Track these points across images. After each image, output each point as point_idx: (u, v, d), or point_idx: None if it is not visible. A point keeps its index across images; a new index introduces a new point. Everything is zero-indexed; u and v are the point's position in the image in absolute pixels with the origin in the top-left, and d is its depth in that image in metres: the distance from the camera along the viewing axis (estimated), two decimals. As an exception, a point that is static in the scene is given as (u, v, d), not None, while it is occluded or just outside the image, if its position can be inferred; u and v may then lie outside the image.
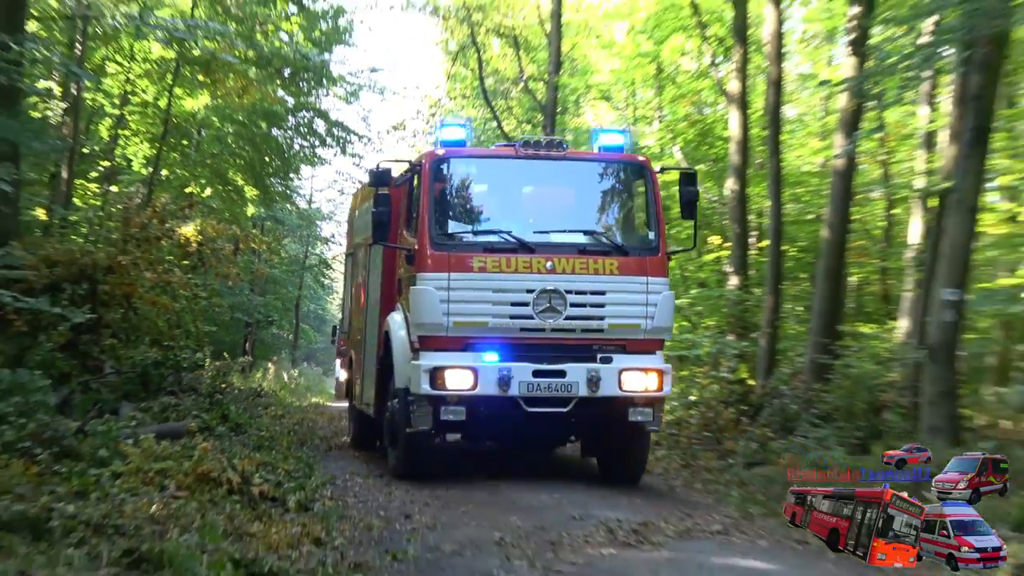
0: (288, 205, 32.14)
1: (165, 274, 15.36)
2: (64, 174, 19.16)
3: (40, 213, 17.99)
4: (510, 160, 9.89)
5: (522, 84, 26.12)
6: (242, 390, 18.13)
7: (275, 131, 25.80)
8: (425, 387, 8.71)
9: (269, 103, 23.64)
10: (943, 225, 10.80)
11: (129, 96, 22.06)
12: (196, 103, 23.44)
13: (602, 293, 9.15)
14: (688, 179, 9.58)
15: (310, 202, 38.54)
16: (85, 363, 13.05)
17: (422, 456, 9.38)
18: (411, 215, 9.90)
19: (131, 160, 23.80)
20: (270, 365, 29.92)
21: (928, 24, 11.94)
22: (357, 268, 13.35)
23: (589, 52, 26.37)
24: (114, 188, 21.58)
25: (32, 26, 16.31)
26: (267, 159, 25.92)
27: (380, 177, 9.60)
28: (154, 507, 7.32)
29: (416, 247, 9.25)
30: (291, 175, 29.93)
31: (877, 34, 13.05)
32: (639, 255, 9.35)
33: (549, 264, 8.99)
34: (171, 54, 20.99)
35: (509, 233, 9.29)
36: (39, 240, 14.77)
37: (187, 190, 23.47)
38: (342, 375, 14.88)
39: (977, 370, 14.24)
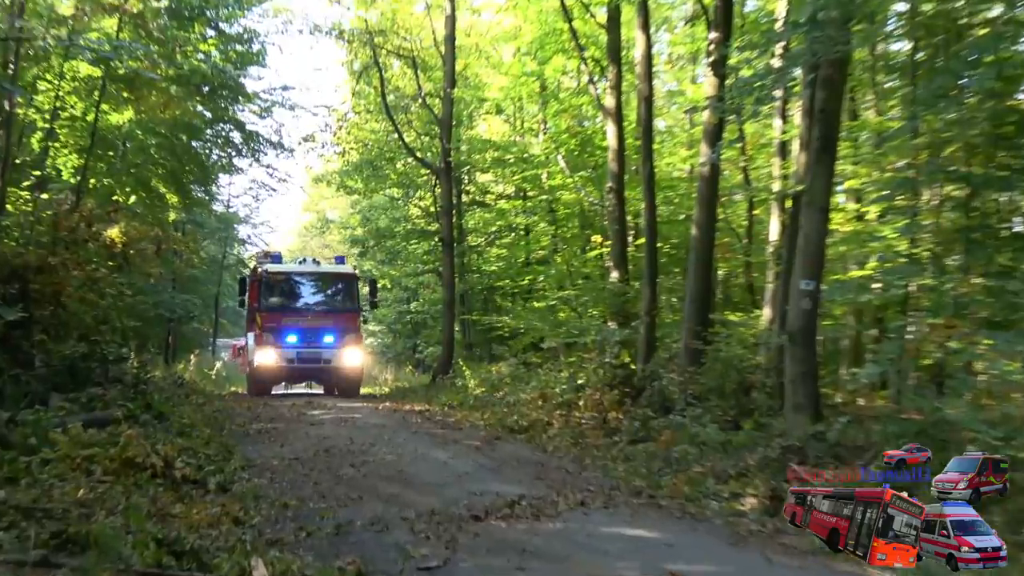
0: (207, 210, 31.56)
1: (92, 273, 15.09)
2: (-4, 182, 18.61)
3: (-28, 219, 17.53)
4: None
5: (420, 100, 26.08)
6: (165, 380, 17.91)
7: (195, 143, 25.49)
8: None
9: (189, 117, 23.32)
10: (798, 223, 10.87)
11: (59, 111, 21.31)
12: (121, 117, 22.76)
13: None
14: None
15: (227, 207, 37.85)
16: (16, 357, 12.64)
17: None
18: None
19: (60, 170, 22.56)
20: (191, 357, 29.57)
21: (778, 48, 12.14)
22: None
23: (481, 71, 26.56)
24: (44, 196, 20.34)
25: (-39, 44, 15.64)
26: (187, 168, 25.46)
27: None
28: (81, 491, 7.17)
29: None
30: (210, 182, 29.37)
31: (735, 56, 13.27)
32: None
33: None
34: (98, 72, 20.54)
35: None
36: (-31, 243, 13.99)
37: (113, 197, 22.31)
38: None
39: (833, 353, 14.39)
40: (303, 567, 5.62)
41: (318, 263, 21.92)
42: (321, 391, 22.44)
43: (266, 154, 27.16)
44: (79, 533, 5.71)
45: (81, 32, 19.80)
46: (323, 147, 28.74)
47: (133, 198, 24.41)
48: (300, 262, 21.84)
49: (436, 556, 6.15)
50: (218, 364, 31.48)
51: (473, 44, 26.97)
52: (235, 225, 39.34)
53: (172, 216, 27.15)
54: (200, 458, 9.67)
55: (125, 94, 21.20)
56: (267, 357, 19.50)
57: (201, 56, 24.20)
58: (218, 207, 35.09)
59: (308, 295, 21.15)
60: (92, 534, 5.59)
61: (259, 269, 21.19)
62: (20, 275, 13.22)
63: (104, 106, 21.67)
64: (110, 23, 21.08)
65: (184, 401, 15.52)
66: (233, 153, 27.24)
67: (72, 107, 22.08)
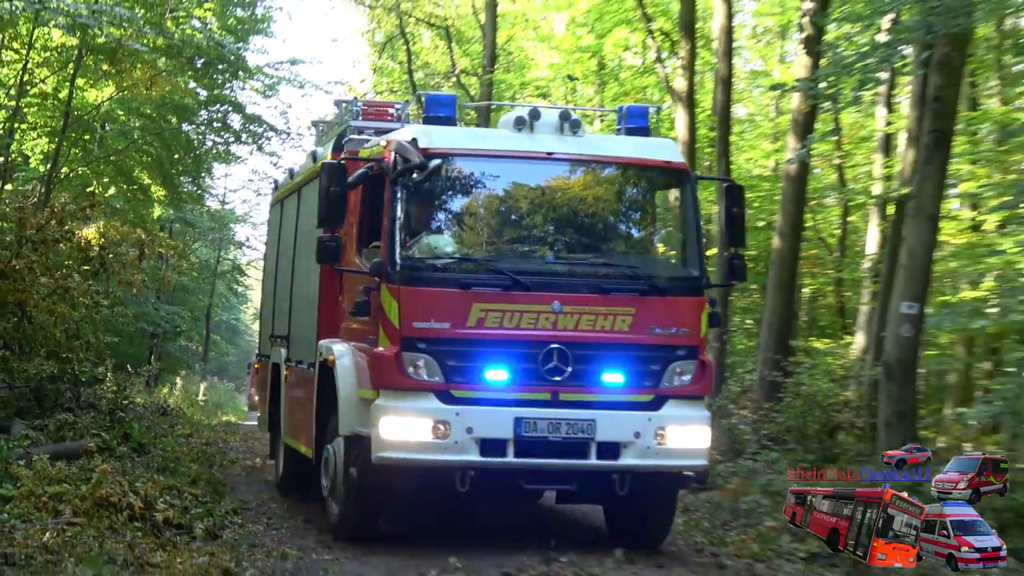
0: (199, 206, 31.63)
1: (63, 280, 15.07)
2: (-51, 171, 18.85)
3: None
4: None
5: (454, 79, 25.90)
6: (146, 407, 18.48)
7: (186, 126, 25.45)
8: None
9: (180, 96, 23.05)
10: (901, 234, 10.82)
11: (27, 87, 21.19)
12: (100, 95, 22.77)
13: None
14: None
15: (223, 203, 38.25)
16: None
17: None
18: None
19: (28, 156, 23.30)
20: (177, 380, 30.44)
21: (886, 21, 11.82)
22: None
23: (526, 45, 26.46)
24: (8, 186, 20.86)
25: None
26: (176, 156, 25.33)
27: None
28: (47, 535, 7.27)
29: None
30: (203, 174, 29.39)
31: (832, 31, 12.96)
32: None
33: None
34: (73, 41, 20.14)
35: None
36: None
37: (89, 189, 22.88)
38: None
39: (937, 389, 14.53)
40: None
41: (578, 126, 8.13)
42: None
43: (269, 140, 26.74)
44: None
45: (52, -8, 20.69)
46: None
47: (112, 190, 24.39)
48: (518, 125, 8.05)
49: None
50: (204, 387, 32.12)
51: (519, 13, 26.67)
52: (231, 225, 39.64)
53: (158, 213, 27.18)
54: (186, 499, 9.61)
55: (105, 67, 20.77)
56: (408, 427, 7.34)
57: (196, 24, 23.82)
58: (212, 203, 35.07)
59: (559, 231, 8.57)
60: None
61: (393, 149, 8.10)
62: (-23, 282, 13.44)
63: (80, 81, 21.42)
64: None
65: (168, 432, 15.35)
66: (231, 139, 27.01)
67: (42, 82, 21.62)
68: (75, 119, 22.00)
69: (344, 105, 9.93)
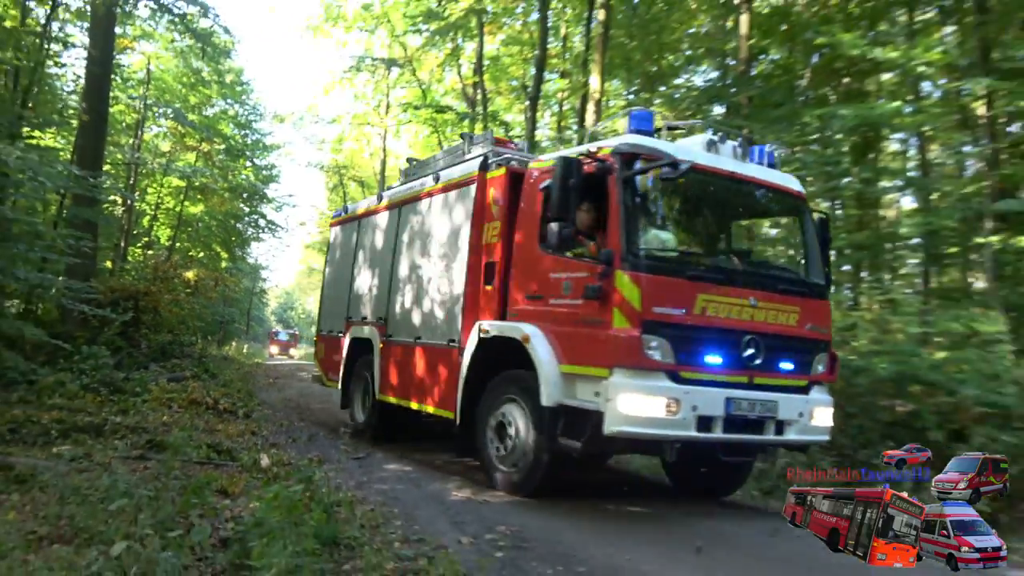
0: (244, 261, 34.54)
1: (176, 295, 17.05)
2: (122, 244, 21.71)
3: (108, 264, 19.62)
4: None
5: None
6: (216, 356, 19.82)
7: (238, 224, 29.42)
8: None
9: (235, 210, 27.53)
10: None
11: (159, 205, 25.71)
12: (196, 209, 26.52)
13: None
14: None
15: (255, 260, 40.98)
16: (130, 342, 13.59)
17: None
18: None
19: (159, 238, 26.55)
20: (233, 343, 33.40)
21: None
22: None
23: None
24: (150, 251, 24.13)
25: (107, 167, 18.22)
26: (233, 238, 29.24)
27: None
28: (164, 417, 7.85)
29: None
30: (246, 247, 33.20)
31: None
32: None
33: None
34: (183, 183, 24.85)
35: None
36: (106, 279, 15.81)
37: (189, 253, 26.20)
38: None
39: None
40: (290, 458, 6.53)
41: (747, 153, 6.54)
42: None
43: (277, 231, 31.30)
44: (162, 441, 6.46)
45: (173, 160, 24.13)
46: (308, 227, 34.84)
47: (202, 254, 27.71)
48: (709, 146, 6.41)
49: (363, 452, 7.65)
50: (246, 347, 35.17)
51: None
52: (260, 271, 43.16)
53: (223, 264, 28.85)
54: (235, 399, 10.37)
55: (198, 196, 25.58)
56: (644, 404, 5.54)
57: (243, 176, 28.24)
58: (250, 259, 37.99)
59: (737, 237, 8.04)
60: (169, 441, 6.21)
61: (642, 151, 6.09)
62: (133, 296, 14.70)
63: (186, 203, 25.73)
64: (191, 156, 25.31)
65: (228, 367, 16.71)
66: (259, 231, 31.18)
67: (167, 203, 25.81)
68: (183, 221, 26.29)
69: (469, 138, 8.30)
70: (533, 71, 17.06)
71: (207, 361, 15.39)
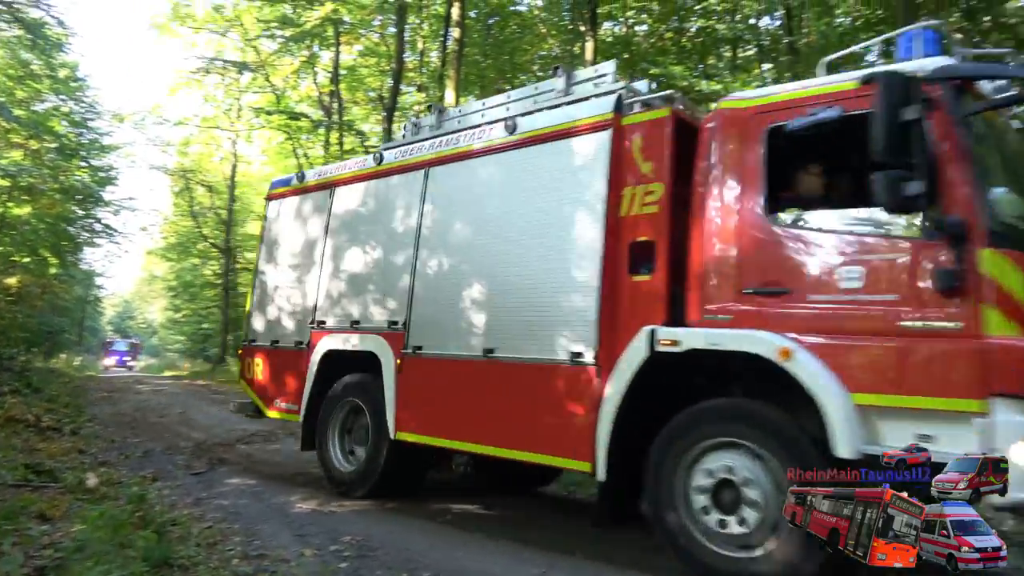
0: (76, 266, 33.81)
1: None
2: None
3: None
4: None
5: (214, 211, 31.64)
6: (42, 369, 19.05)
7: (70, 228, 28.29)
8: None
9: (67, 212, 26.28)
10: None
11: None
12: (22, 211, 25.12)
13: None
14: None
15: (90, 266, 39.89)
16: None
17: None
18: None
19: None
20: (62, 355, 32.87)
21: None
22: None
23: (249, 194, 33.22)
24: None
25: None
26: (64, 243, 28.23)
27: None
28: None
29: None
30: (78, 252, 32.10)
31: None
32: None
33: None
34: (7, 183, 22.90)
35: None
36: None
37: (12, 258, 24.62)
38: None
39: None
40: (120, 477, 6.31)
41: None
42: None
43: (114, 236, 30.35)
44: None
45: (-1, 159, 21.52)
46: (150, 232, 34.10)
47: (27, 259, 25.95)
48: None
49: (203, 467, 7.48)
50: (78, 359, 34.51)
51: (247, 180, 31.49)
52: (95, 278, 42.33)
53: (52, 271, 27.74)
54: (60, 415, 9.94)
55: (24, 197, 23.83)
56: None
57: (77, 178, 27.06)
58: (84, 265, 36.73)
59: None
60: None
61: (990, 74, 4.19)
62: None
63: (10, 204, 24.11)
64: (17, 153, 23.26)
65: (55, 381, 16.22)
66: (93, 235, 30.06)
67: None
68: (6, 223, 24.53)
69: (567, 74, 6.11)
70: (390, 83, 17.55)
71: (30, 375, 14.50)
